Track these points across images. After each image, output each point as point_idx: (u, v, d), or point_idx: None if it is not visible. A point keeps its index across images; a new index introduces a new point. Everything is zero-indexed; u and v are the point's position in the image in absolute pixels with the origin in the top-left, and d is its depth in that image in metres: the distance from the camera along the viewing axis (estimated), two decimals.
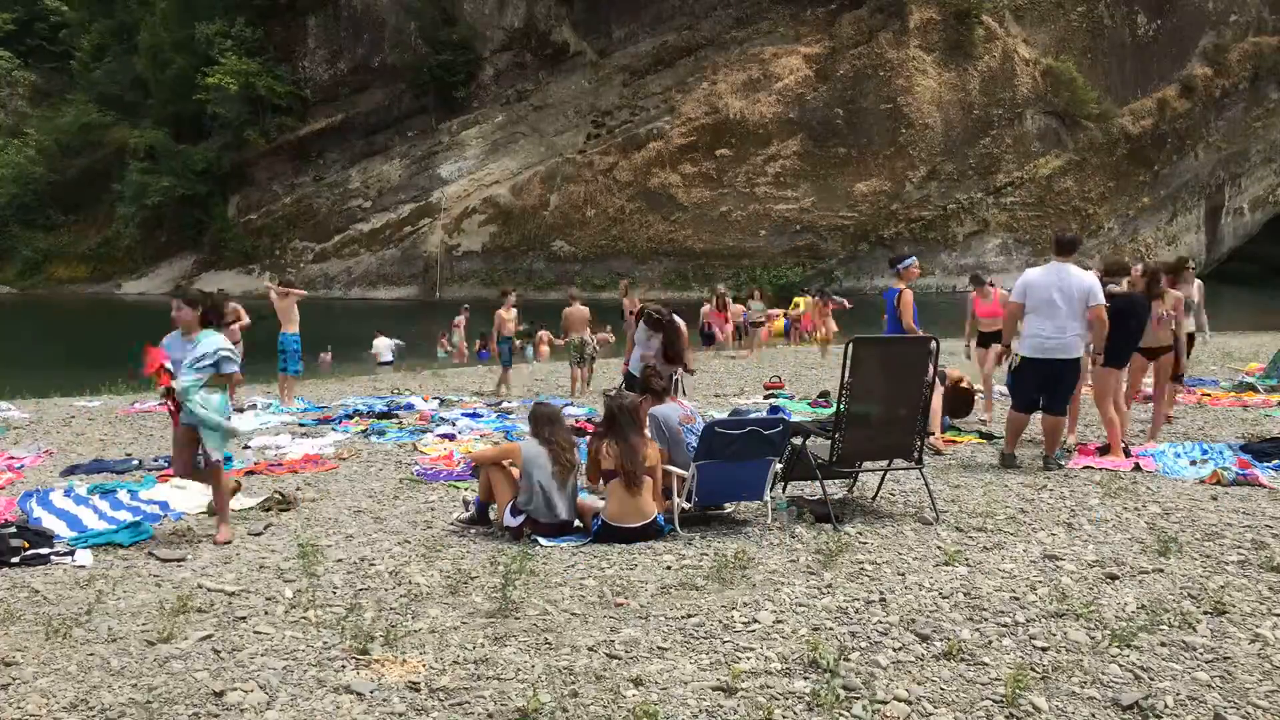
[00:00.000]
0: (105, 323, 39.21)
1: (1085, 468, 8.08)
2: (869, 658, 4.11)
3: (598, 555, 5.86)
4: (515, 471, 6.48)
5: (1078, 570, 5.30)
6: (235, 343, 12.28)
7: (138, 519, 6.75)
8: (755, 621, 4.57)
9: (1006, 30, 47.58)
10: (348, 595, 5.10)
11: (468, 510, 6.82)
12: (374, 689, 3.85)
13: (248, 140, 51.26)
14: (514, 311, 15.91)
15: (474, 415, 12.27)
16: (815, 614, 4.67)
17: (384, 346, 25.98)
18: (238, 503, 7.37)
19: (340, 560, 5.77)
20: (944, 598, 4.86)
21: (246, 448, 10.08)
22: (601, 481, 6.42)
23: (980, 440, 9.74)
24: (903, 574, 5.30)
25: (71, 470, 8.91)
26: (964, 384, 10.99)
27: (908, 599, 4.85)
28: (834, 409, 6.99)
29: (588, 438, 7.87)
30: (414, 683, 3.91)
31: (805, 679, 3.91)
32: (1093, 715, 3.63)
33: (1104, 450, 8.48)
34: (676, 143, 46.36)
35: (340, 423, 11.79)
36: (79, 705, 3.71)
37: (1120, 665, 4.01)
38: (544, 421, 6.59)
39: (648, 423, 6.87)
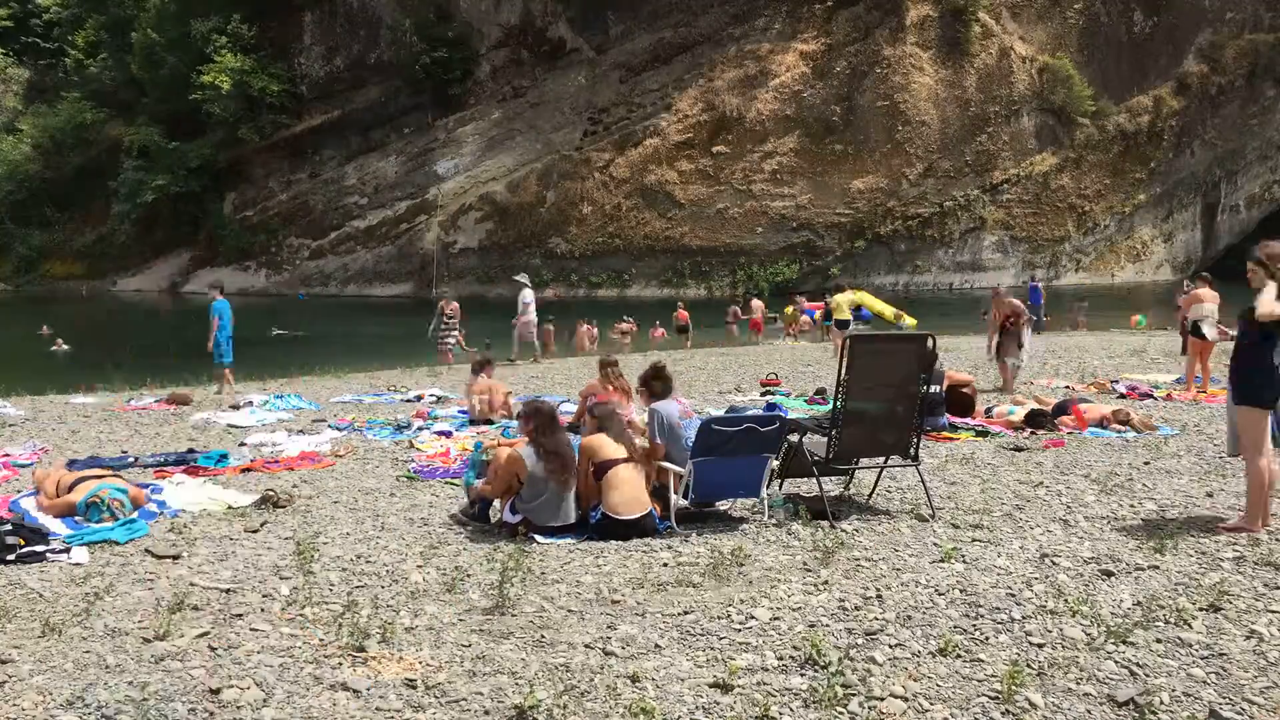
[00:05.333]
0: (101, 320, 39.20)
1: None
2: (866, 654, 4.11)
3: (594, 552, 5.86)
4: (522, 474, 6.46)
5: (1074, 567, 5.31)
6: None
7: (134, 516, 6.73)
8: (752, 618, 4.58)
9: (1003, 27, 47.58)
10: (344, 592, 5.09)
11: (473, 507, 6.81)
12: (370, 686, 3.85)
13: (243, 137, 51.14)
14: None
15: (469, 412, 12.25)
16: (812, 611, 4.68)
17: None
18: (234, 499, 7.37)
19: (337, 557, 5.77)
20: (940, 594, 4.87)
21: (243, 445, 10.08)
22: (594, 477, 6.40)
23: (977, 438, 9.76)
24: (899, 571, 5.31)
25: (70, 466, 8.89)
26: (965, 388, 11.04)
27: (904, 596, 4.86)
28: (830, 406, 6.99)
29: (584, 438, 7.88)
30: (411, 680, 3.91)
31: (802, 676, 3.91)
32: (1088, 711, 3.63)
33: None
34: (673, 140, 46.34)
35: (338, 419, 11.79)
36: (75, 703, 3.71)
37: (1116, 661, 4.02)
38: (541, 425, 6.48)
39: (648, 418, 6.87)
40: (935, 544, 5.79)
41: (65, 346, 27.66)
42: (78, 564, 5.68)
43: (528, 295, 20.40)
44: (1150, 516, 6.39)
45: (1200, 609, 4.59)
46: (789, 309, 31.15)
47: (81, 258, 56.80)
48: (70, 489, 6.70)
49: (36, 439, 10.64)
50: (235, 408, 13.07)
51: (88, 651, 4.24)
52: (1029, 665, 4.00)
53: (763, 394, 13.65)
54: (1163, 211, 50.02)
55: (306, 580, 5.22)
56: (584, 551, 5.90)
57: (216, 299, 15.60)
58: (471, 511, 6.76)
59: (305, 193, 52.87)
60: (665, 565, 5.55)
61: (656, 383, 7.11)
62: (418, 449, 9.75)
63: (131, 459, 9.18)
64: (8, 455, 9.44)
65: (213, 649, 4.26)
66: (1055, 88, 46.45)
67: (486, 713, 3.65)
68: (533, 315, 20.38)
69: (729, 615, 4.62)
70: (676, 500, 6.46)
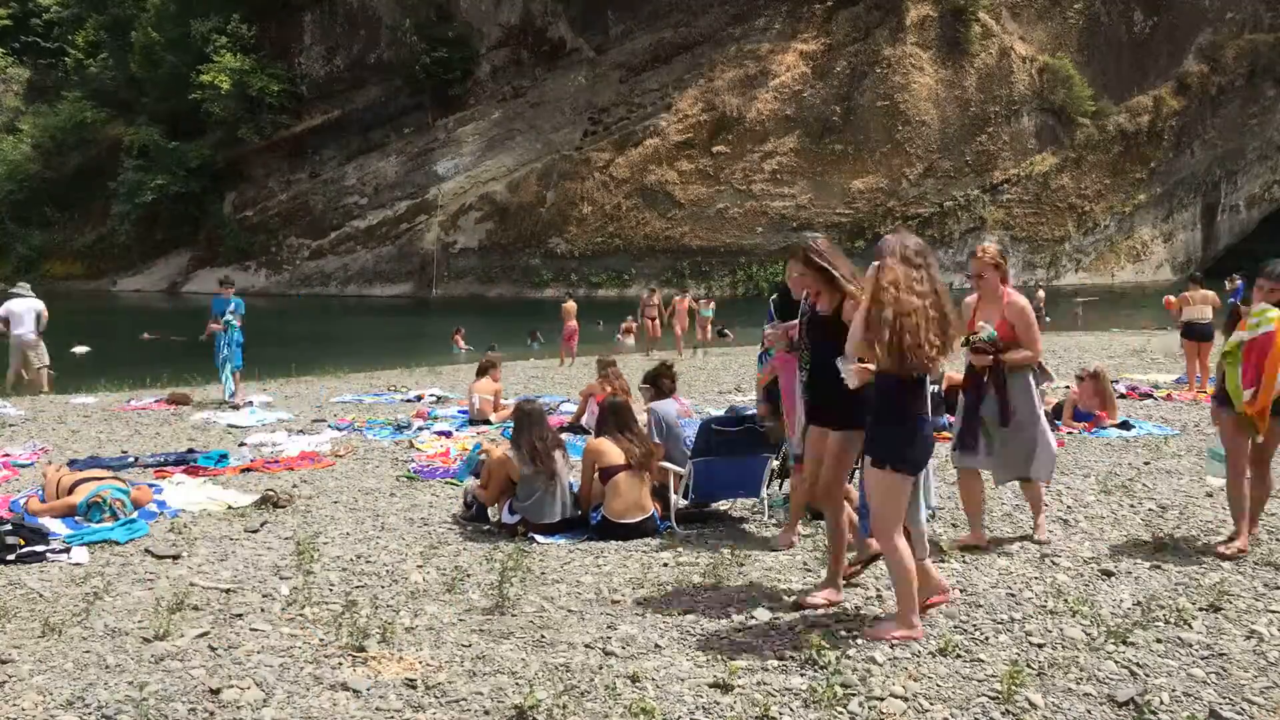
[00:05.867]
0: (101, 320, 39.13)
1: None
2: (865, 654, 4.11)
3: (594, 552, 5.86)
4: (514, 475, 6.49)
5: (1074, 567, 5.31)
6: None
7: (134, 516, 6.73)
8: (752, 618, 4.58)
9: (1003, 27, 47.55)
10: (344, 592, 5.09)
11: (469, 509, 6.82)
12: (370, 686, 3.85)
13: (243, 137, 51.12)
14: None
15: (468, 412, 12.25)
16: (812, 611, 4.67)
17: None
18: (234, 499, 7.37)
19: (337, 557, 5.77)
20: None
21: (243, 445, 10.08)
22: (599, 478, 6.41)
23: None
24: None
25: (70, 466, 8.88)
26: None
27: None
28: None
29: (588, 437, 7.90)
30: (411, 680, 3.92)
31: (802, 675, 3.91)
32: (1088, 711, 3.63)
33: None
34: (673, 140, 46.31)
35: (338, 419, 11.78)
36: (75, 703, 3.71)
37: (1116, 661, 4.02)
38: (525, 425, 6.54)
39: (647, 418, 6.88)
40: (935, 544, 5.78)
41: (155, 337, 26.60)
42: (78, 564, 5.69)
43: (17, 305, 14.99)
44: (1150, 516, 6.39)
45: (1200, 609, 4.59)
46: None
47: (81, 258, 56.74)
48: (71, 490, 6.71)
49: (36, 439, 10.64)
50: (235, 408, 13.07)
51: (88, 651, 4.24)
52: (1029, 665, 4.00)
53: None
54: (1163, 211, 49.98)
55: (306, 580, 5.22)
56: (584, 551, 5.90)
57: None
58: (470, 512, 6.78)
59: (305, 193, 52.82)
60: (665, 565, 5.55)
61: (665, 381, 7.16)
62: (418, 449, 9.75)
63: (131, 459, 9.18)
64: (7, 455, 9.44)
65: (213, 649, 4.26)
66: (1055, 88, 46.40)
67: (486, 713, 3.65)
68: (24, 330, 14.93)
69: (729, 615, 4.62)
70: (676, 500, 6.46)
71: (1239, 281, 26.99)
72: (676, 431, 6.78)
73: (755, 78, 46.14)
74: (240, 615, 4.72)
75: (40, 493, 7.09)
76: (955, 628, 4.41)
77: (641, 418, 7.48)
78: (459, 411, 12.20)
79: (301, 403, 13.87)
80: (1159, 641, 4.22)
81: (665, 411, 6.89)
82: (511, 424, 6.99)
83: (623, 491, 6.24)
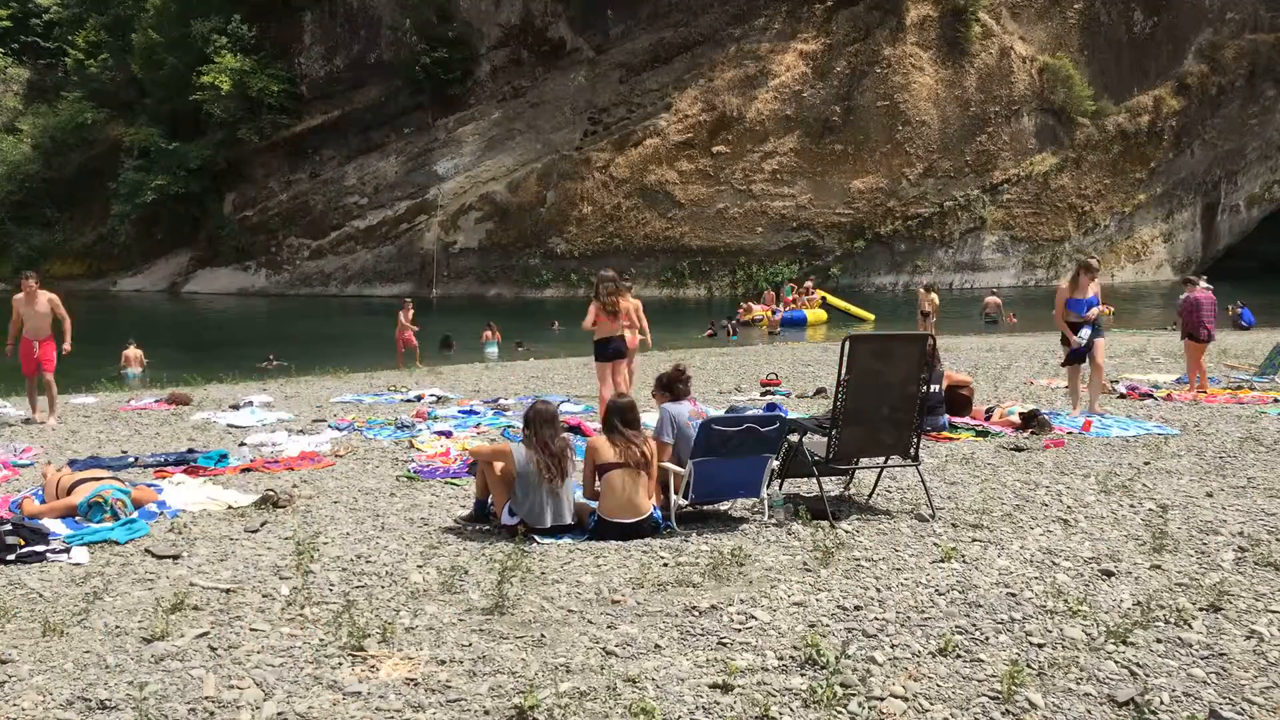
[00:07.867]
0: (101, 320, 39.16)
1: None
2: (865, 654, 4.11)
3: (594, 552, 5.86)
4: (509, 469, 6.48)
5: (1074, 567, 5.31)
6: None
7: (134, 516, 6.73)
8: (752, 619, 4.58)
9: (1003, 27, 47.56)
10: (344, 592, 5.09)
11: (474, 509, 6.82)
12: (371, 686, 3.85)
13: (243, 138, 51.11)
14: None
15: (470, 412, 12.27)
16: (812, 611, 4.68)
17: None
18: (234, 499, 7.37)
19: (337, 557, 5.77)
20: (940, 594, 4.87)
21: (243, 445, 10.07)
22: (598, 478, 6.42)
23: (977, 438, 9.76)
24: (899, 571, 5.31)
25: (70, 466, 8.88)
26: (964, 389, 11.08)
27: (904, 596, 4.86)
28: (830, 405, 6.99)
29: (589, 437, 7.90)
30: (410, 679, 3.92)
31: (802, 676, 3.92)
32: (1088, 711, 3.63)
33: None
34: (673, 140, 46.30)
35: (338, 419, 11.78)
36: (75, 702, 3.71)
37: (1116, 661, 4.02)
38: (536, 423, 6.52)
39: (660, 418, 6.87)
40: (935, 544, 5.79)
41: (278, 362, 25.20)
42: (78, 564, 5.68)
43: None
44: (1150, 516, 6.39)
45: (1200, 609, 4.59)
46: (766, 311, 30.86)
47: (81, 258, 56.73)
48: (70, 490, 6.70)
49: (35, 440, 10.63)
50: (235, 408, 13.07)
51: (88, 651, 4.24)
52: (1029, 665, 4.00)
53: (763, 394, 13.65)
54: (1163, 211, 50.00)
55: (306, 580, 5.22)
56: (584, 551, 5.90)
57: None
58: (470, 514, 6.78)
59: (305, 193, 52.80)
60: (665, 565, 5.56)
61: (679, 385, 7.15)
62: (418, 449, 9.75)
63: (131, 459, 9.17)
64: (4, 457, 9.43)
65: (213, 649, 4.26)
66: (1055, 88, 46.41)
67: (486, 713, 3.65)
68: None
69: (729, 615, 4.62)
70: (676, 500, 6.46)
71: (1241, 308, 26.97)
72: (688, 433, 6.77)
73: (755, 78, 46.14)
74: (240, 615, 4.72)
75: (39, 493, 7.09)
76: (955, 628, 4.41)
77: (652, 417, 7.50)
78: (459, 411, 12.21)
79: (301, 403, 13.87)
80: (1159, 641, 4.22)
81: (678, 412, 6.89)
82: (519, 423, 6.98)
83: (615, 490, 6.24)
